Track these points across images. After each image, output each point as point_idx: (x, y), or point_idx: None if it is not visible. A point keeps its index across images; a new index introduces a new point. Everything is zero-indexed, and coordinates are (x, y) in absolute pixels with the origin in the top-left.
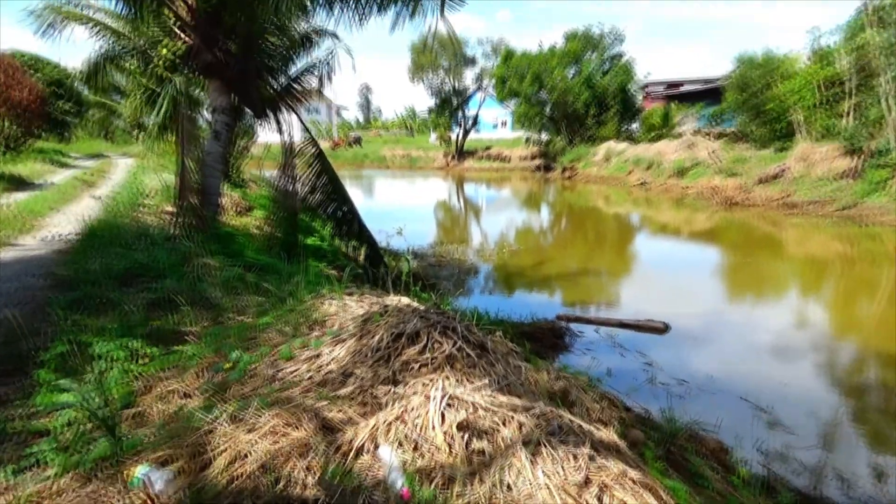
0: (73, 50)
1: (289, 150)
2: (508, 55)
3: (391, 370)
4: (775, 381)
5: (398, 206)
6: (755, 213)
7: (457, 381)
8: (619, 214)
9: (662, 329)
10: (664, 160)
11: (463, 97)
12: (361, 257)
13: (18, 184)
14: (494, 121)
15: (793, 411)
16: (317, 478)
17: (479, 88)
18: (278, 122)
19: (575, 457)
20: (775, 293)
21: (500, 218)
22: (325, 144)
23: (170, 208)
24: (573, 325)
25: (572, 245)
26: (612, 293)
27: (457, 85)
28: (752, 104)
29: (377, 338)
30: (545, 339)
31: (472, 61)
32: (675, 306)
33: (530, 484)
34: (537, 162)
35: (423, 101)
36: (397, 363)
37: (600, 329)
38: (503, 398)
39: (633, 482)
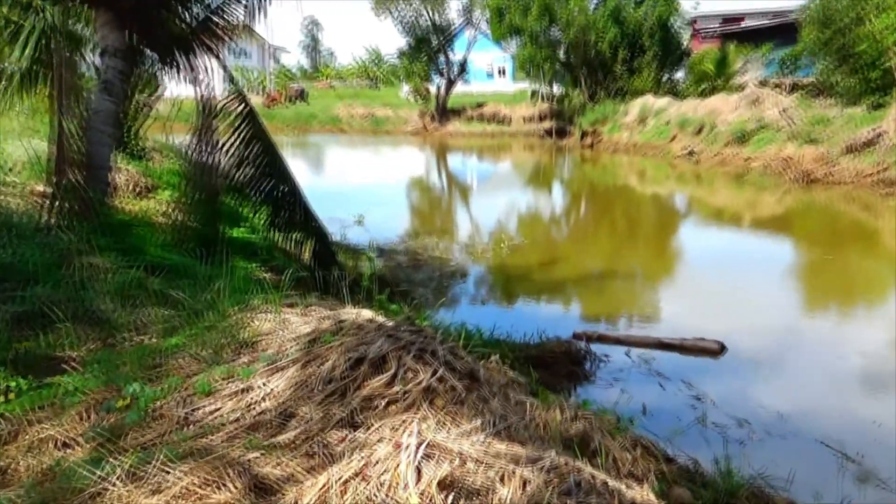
0: None
1: (207, 109)
2: None
3: (348, 409)
4: (867, 421)
5: (358, 186)
6: (841, 193)
7: (438, 422)
8: (659, 196)
9: (716, 351)
10: (719, 122)
11: (446, 36)
12: (307, 255)
13: None
14: (489, 68)
15: (890, 460)
16: None
17: (467, 23)
18: (192, 70)
19: None
20: (868, 303)
21: (497, 201)
22: (256, 100)
23: (42, 188)
24: (596, 347)
25: (595, 238)
26: (648, 303)
27: (438, 19)
28: (838, 45)
29: (329, 365)
30: (558, 366)
31: None
32: (734, 320)
33: None
34: (547, 125)
35: (391, 41)
36: (356, 399)
37: (632, 351)
38: (501, 446)
39: None
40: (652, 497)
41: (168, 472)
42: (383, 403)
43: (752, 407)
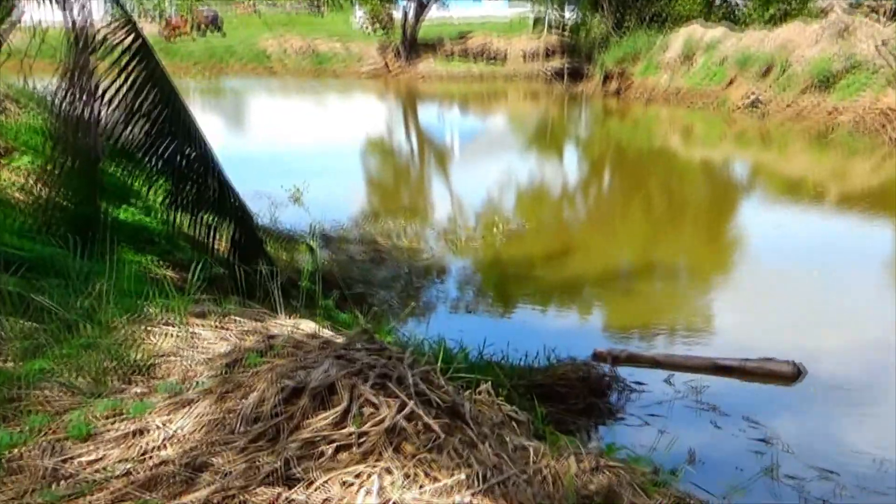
0: None
1: (82, 41)
2: None
3: (281, 458)
4: None
5: (294, 150)
6: None
7: (407, 476)
8: (711, 163)
9: (790, 375)
10: (794, 59)
11: None
12: (223, 245)
13: None
14: None
15: None
16: None
17: None
18: None
19: None
20: None
21: (488, 171)
22: (151, 29)
23: None
24: (624, 371)
25: (623, 222)
26: (695, 311)
27: None
28: None
29: (255, 397)
30: (574, 398)
31: None
32: (814, 335)
33: None
34: (556, 63)
35: None
36: (293, 444)
37: (675, 377)
38: None
39: None
40: None
41: None
42: (331, 450)
43: (839, 452)
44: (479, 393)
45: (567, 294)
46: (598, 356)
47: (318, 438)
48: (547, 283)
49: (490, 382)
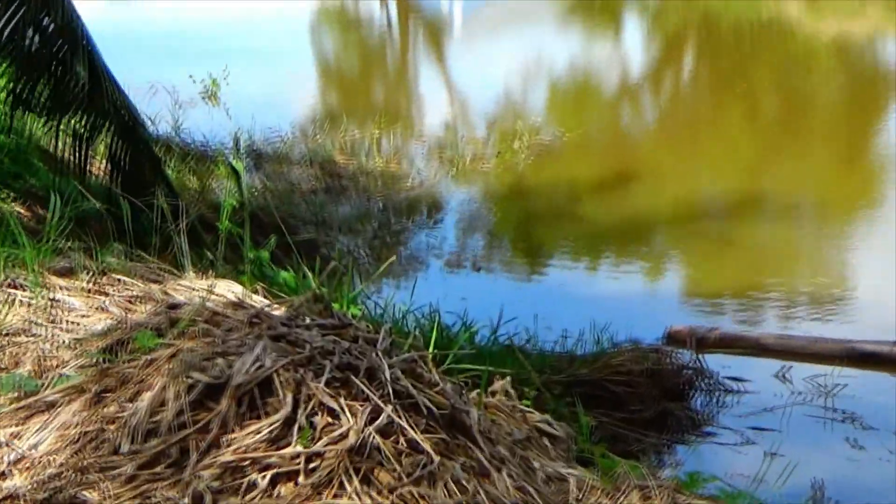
0: None
1: None
2: None
3: (189, 492)
4: None
5: (208, 20)
6: None
7: None
8: (849, 41)
9: None
10: None
11: None
12: (100, 167)
13: None
14: None
15: None
16: None
17: None
18: None
19: None
20: None
21: (506, 53)
22: None
23: None
24: (713, 361)
25: (711, 132)
26: (824, 269)
27: None
28: None
29: (148, 399)
30: (637, 400)
31: None
32: None
33: None
34: None
35: None
36: (207, 471)
37: (791, 370)
38: None
39: None
40: None
41: None
42: (265, 480)
43: None
44: (493, 394)
45: (625, 242)
46: (673, 337)
47: (245, 462)
48: (595, 226)
49: (509, 378)
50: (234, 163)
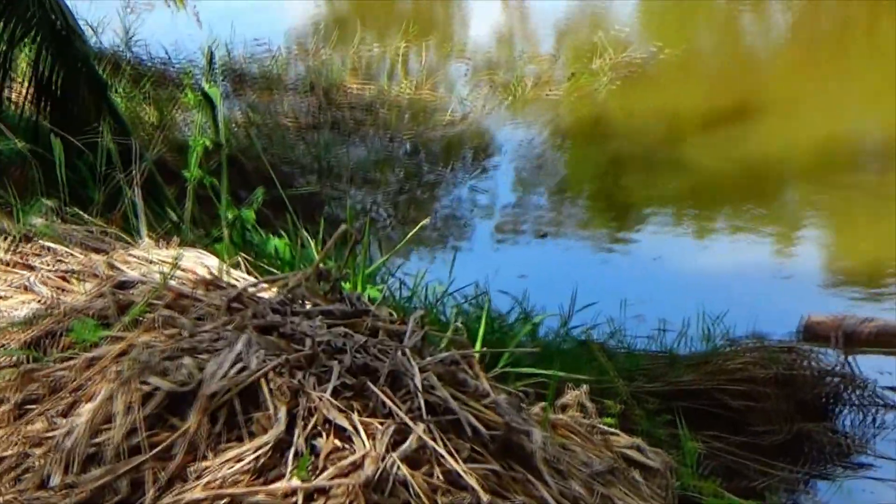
0: None
1: None
2: None
3: None
4: None
5: None
6: None
7: None
8: None
9: None
10: None
11: None
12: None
13: None
14: None
15: None
16: None
17: None
18: None
19: None
20: None
21: None
22: None
23: None
24: (867, 362)
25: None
26: None
27: None
28: None
29: (89, 413)
30: (763, 417)
31: None
32: None
33: None
34: None
35: None
36: None
37: None
38: None
39: None
40: None
41: None
42: None
43: None
44: (564, 409)
45: (743, 200)
46: (812, 331)
47: (221, 502)
48: (702, 177)
49: (586, 387)
50: (206, 87)
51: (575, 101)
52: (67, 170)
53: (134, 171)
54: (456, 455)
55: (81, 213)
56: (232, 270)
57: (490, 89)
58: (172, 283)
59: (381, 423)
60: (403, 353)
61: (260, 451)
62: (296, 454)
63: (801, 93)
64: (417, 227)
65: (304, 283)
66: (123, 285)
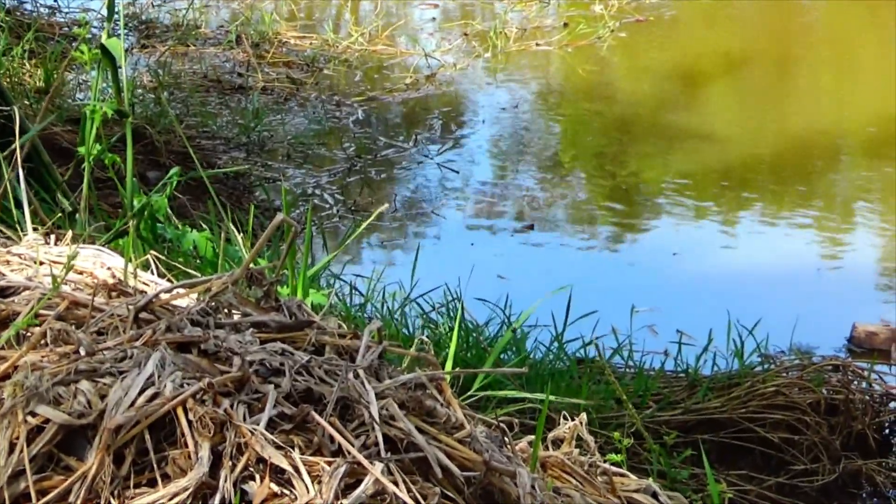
0: None
1: None
2: None
3: None
4: None
5: None
6: None
7: None
8: None
9: None
10: None
11: None
12: None
13: None
14: None
15: None
16: None
17: None
18: None
19: None
20: None
21: None
22: None
23: None
24: None
25: None
26: None
27: None
28: None
29: None
30: (806, 450)
31: None
32: None
33: None
34: None
35: None
36: None
37: None
38: None
39: None
40: None
41: None
42: None
43: None
44: (558, 443)
45: (781, 180)
46: (864, 343)
47: None
48: (729, 151)
49: (585, 415)
50: (105, 41)
51: (571, 56)
52: None
53: (15, 146)
54: (423, 502)
55: None
56: (140, 272)
57: (464, 41)
58: (66, 288)
59: (329, 463)
60: (356, 375)
61: (177, 499)
62: (222, 502)
63: (857, 46)
64: (372, 216)
65: (230, 288)
66: (3, 292)
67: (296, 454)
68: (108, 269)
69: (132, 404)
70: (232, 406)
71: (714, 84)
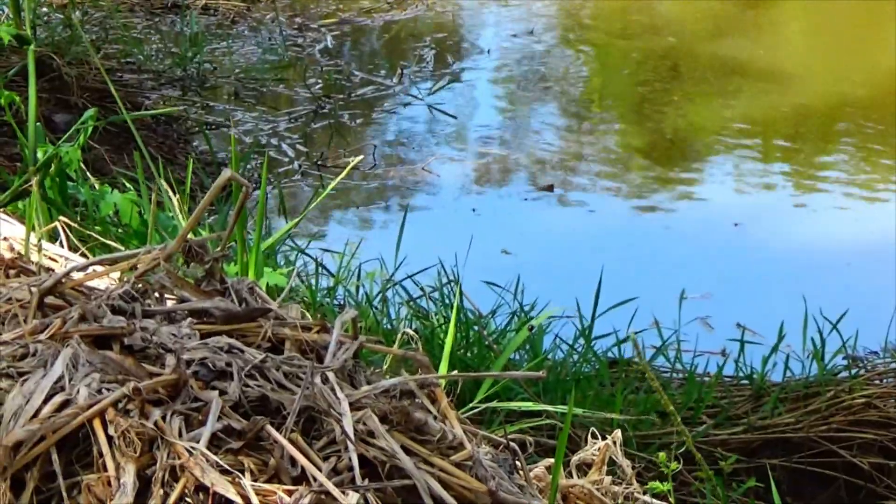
0: None
1: None
2: None
3: None
4: None
5: None
6: None
7: None
8: None
9: None
10: None
11: None
12: None
13: None
14: None
15: None
16: None
17: None
18: None
19: None
20: None
21: None
22: None
23: None
24: None
25: None
26: None
27: None
28: None
29: None
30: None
31: None
32: None
33: None
34: None
35: None
36: None
37: None
38: None
39: None
40: None
41: None
42: None
43: None
44: (584, 468)
45: (868, 134)
46: None
47: None
48: (807, 95)
49: (620, 433)
50: None
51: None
52: None
53: None
54: None
55: None
56: (46, 244)
57: None
58: None
59: (289, 493)
60: (325, 380)
61: None
62: None
63: None
64: (344, 172)
65: (162, 265)
66: None
67: (246, 480)
68: (5, 239)
69: (35, 415)
70: (164, 418)
71: (785, 5)
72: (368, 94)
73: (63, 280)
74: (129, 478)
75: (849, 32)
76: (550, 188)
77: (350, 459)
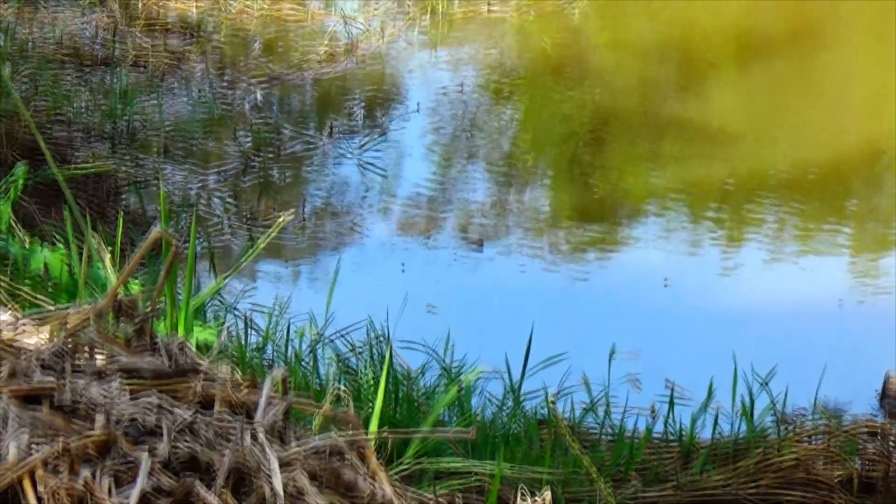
0: None
1: None
2: None
3: None
4: None
5: None
6: None
7: None
8: None
9: None
10: None
11: None
12: None
13: None
14: None
15: None
16: None
17: None
18: None
19: None
20: None
21: None
22: None
23: None
24: None
25: None
26: None
27: None
28: None
29: None
30: None
31: None
32: None
33: None
34: None
35: None
36: None
37: None
38: None
39: None
40: None
41: None
42: None
43: None
44: None
45: (798, 191)
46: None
47: None
48: (738, 154)
49: (549, 487)
50: None
51: (532, 24)
52: None
53: None
54: None
55: None
56: None
57: (395, 2)
58: None
59: None
60: (254, 438)
61: None
62: None
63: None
64: (273, 230)
65: (92, 322)
66: None
67: None
68: None
69: None
70: (94, 476)
71: (717, 67)
72: (298, 150)
73: None
74: None
75: (787, 94)
76: (480, 244)
77: None
